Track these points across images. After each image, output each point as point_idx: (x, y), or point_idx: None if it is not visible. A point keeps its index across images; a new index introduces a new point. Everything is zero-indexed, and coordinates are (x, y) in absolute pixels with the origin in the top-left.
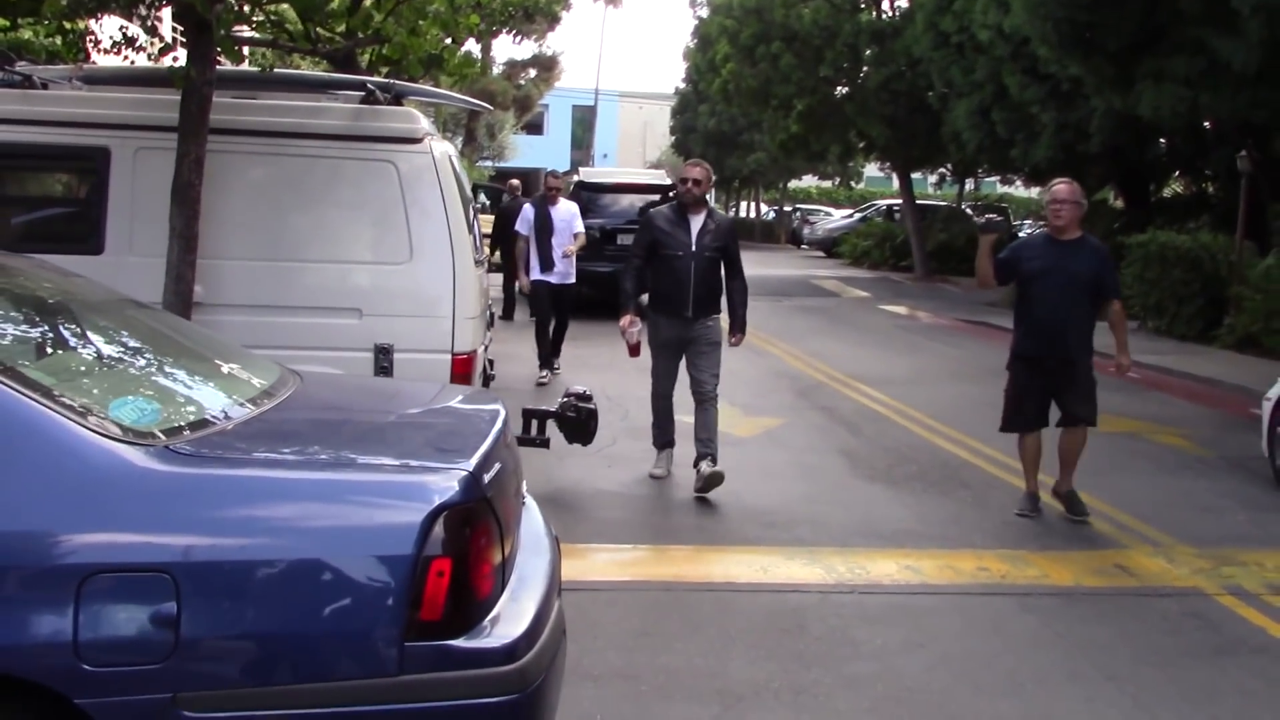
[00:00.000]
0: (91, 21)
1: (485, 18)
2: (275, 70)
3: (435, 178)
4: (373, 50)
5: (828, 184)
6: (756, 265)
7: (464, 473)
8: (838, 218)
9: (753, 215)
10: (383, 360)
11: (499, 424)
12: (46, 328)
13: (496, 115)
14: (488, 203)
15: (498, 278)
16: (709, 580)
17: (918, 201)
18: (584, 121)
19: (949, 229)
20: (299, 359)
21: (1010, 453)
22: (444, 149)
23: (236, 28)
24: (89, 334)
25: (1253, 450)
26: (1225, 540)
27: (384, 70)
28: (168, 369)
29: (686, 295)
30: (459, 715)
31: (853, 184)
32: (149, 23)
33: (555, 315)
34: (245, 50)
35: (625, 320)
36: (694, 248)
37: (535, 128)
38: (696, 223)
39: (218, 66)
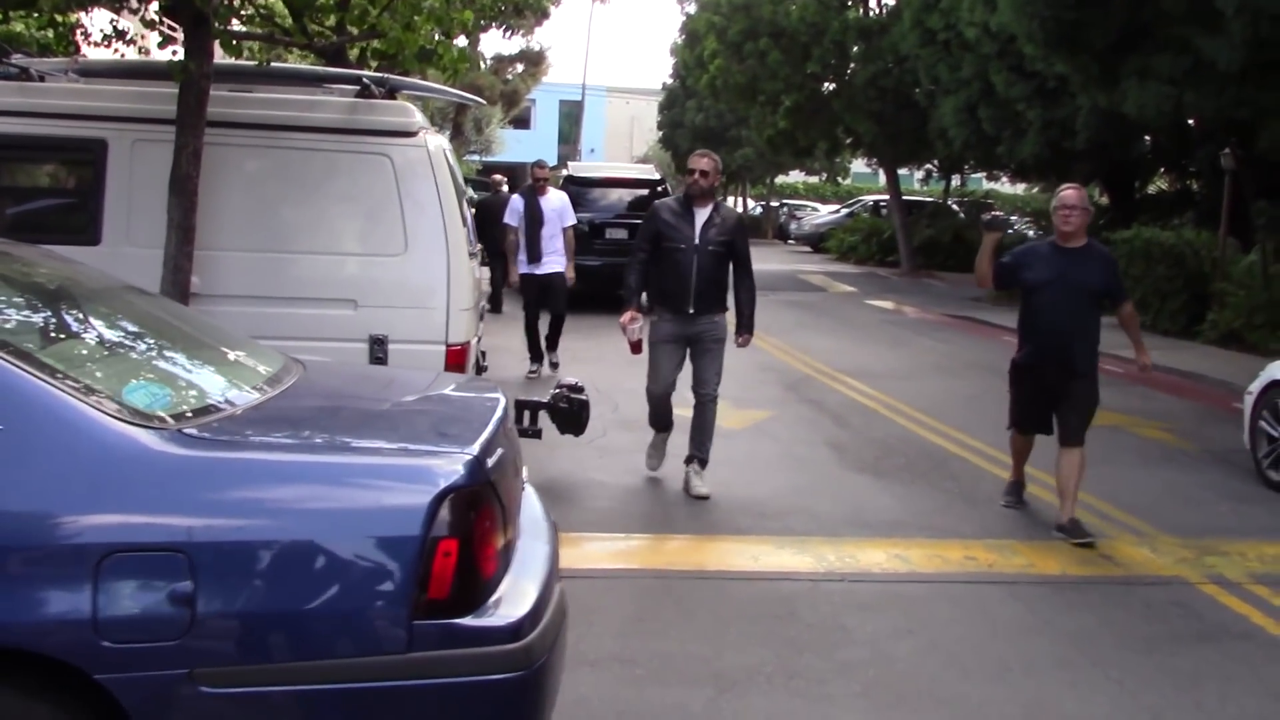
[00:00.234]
0: (82, 15)
1: (477, 12)
2: (271, 64)
3: (430, 171)
4: (366, 44)
5: (815, 179)
6: None
7: (469, 457)
8: (824, 213)
9: (740, 210)
10: (378, 351)
11: (500, 411)
12: (58, 315)
13: (483, 110)
14: (474, 197)
15: (484, 271)
16: (702, 569)
17: (904, 197)
18: (571, 116)
19: (935, 225)
20: (295, 349)
21: (997, 445)
22: (438, 142)
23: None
24: (98, 321)
25: (1235, 443)
26: (1208, 531)
27: (374, 65)
28: (176, 356)
29: (688, 290)
30: (466, 691)
31: (839, 179)
32: (146, 17)
33: (549, 308)
34: (239, 44)
35: (626, 316)
36: (697, 241)
37: (522, 122)
38: (701, 215)
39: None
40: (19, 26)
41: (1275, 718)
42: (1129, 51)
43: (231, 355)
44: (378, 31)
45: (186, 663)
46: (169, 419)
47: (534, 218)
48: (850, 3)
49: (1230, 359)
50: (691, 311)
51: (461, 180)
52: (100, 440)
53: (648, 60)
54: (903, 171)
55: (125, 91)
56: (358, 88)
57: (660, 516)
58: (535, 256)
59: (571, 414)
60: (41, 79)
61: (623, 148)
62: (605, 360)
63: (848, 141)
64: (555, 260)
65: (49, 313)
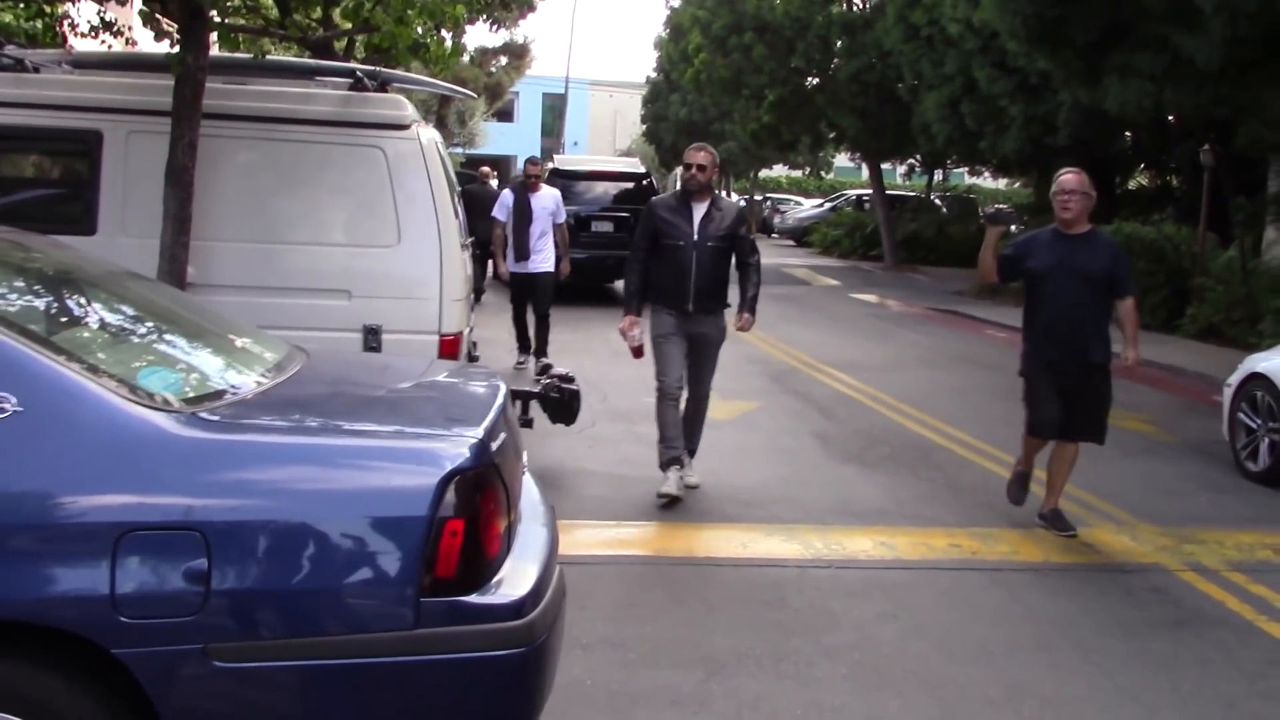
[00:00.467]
0: (69, 5)
1: (466, 5)
2: (265, 57)
3: (422, 163)
4: (356, 38)
5: (798, 173)
6: None
7: (474, 440)
8: (808, 207)
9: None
10: (371, 341)
11: (502, 397)
12: (73, 302)
13: (467, 103)
14: (459, 189)
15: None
16: (691, 555)
17: (887, 192)
18: (554, 109)
19: (918, 219)
20: (290, 339)
21: (980, 436)
22: (430, 135)
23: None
24: (112, 308)
25: (1214, 435)
26: (1186, 520)
27: (359, 57)
28: (187, 343)
29: (687, 287)
30: (470, 666)
31: (823, 174)
32: (142, 9)
33: (534, 307)
34: (233, 36)
35: (626, 323)
36: (695, 237)
37: (506, 115)
38: (699, 211)
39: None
40: (8, 17)
41: (1249, 699)
42: (1110, 48)
43: (239, 342)
44: (371, 26)
45: (201, 638)
46: (183, 403)
47: (522, 214)
48: None
49: (1209, 353)
50: (691, 310)
51: (453, 173)
52: (119, 423)
53: (631, 53)
54: (886, 166)
55: (120, 83)
56: (351, 81)
57: (650, 505)
58: (522, 254)
59: (563, 404)
60: (36, 70)
61: (606, 141)
62: (592, 352)
63: (831, 136)
64: (542, 259)
65: (65, 300)
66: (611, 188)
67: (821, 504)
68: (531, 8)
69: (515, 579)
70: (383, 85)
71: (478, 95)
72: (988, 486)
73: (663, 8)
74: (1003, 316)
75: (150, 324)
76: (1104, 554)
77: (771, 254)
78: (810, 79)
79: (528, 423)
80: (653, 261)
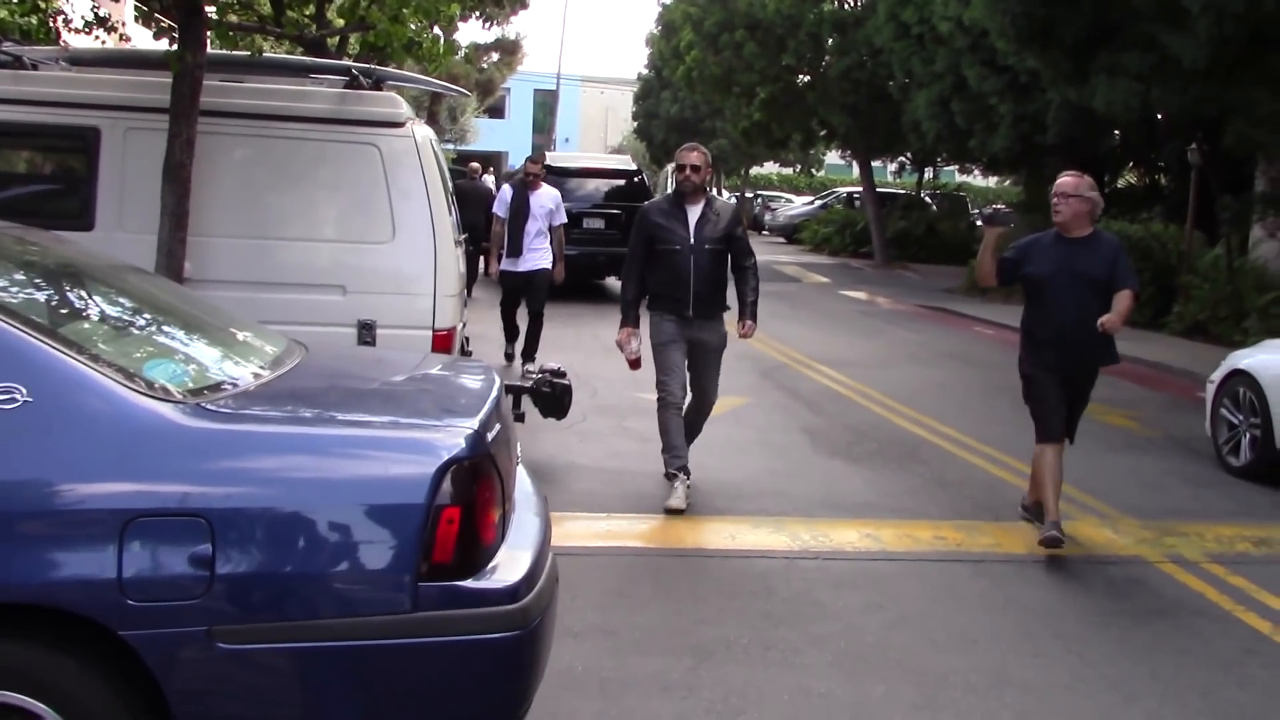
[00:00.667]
0: (63, 1)
1: (459, 2)
2: (262, 55)
3: (417, 160)
4: (356, 36)
5: (789, 171)
6: None
7: (470, 430)
8: (799, 204)
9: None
10: (365, 336)
11: (496, 390)
12: (78, 296)
13: (459, 99)
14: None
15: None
16: (680, 546)
17: (877, 189)
18: (545, 106)
19: (908, 216)
20: (285, 333)
21: (966, 431)
22: (425, 133)
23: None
24: (116, 302)
25: (1197, 431)
26: (1168, 513)
27: (351, 55)
28: (190, 335)
29: (686, 293)
30: (467, 649)
31: (813, 171)
32: (140, 7)
33: (528, 305)
34: (232, 34)
35: (623, 334)
36: (692, 240)
37: (497, 111)
38: (694, 213)
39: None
40: (2, 13)
41: (1225, 687)
42: (1098, 48)
43: (240, 336)
44: (366, 24)
45: (205, 621)
46: (187, 394)
47: (519, 212)
48: None
49: (1195, 350)
50: (690, 314)
51: (447, 170)
52: (126, 413)
53: (623, 50)
54: (876, 164)
55: (117, 80)
56: (346, 78)
57: (639, 498)
58: (516, 251)
59: (554, 398)
60: (34, 67)
61: (597, 138)
62: (583, 348)
63: (822, 134)
64: (537, 257)
65: (70, 294)
66: (603, 184)
67: (809, 497)
68: (524, 4)
69: (510, 565)
70: (378, 83)
71: (470, 92)
72: (973, 481)
73: (654, 4)
74: (991, 314)
75: (153, 317)
76: (1086, 546)
77: (762, 251)
78: (801, 77)
79: (519, 417)
80: (649, 268)
